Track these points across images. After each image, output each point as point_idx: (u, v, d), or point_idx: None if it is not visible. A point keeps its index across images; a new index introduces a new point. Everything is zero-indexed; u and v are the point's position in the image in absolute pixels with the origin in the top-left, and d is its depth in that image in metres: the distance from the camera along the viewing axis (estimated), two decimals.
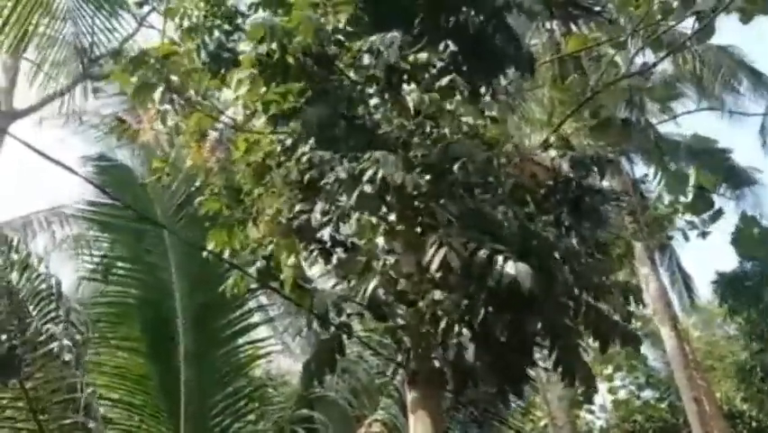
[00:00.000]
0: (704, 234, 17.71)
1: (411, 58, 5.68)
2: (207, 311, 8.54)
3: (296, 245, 5.82)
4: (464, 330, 5.31)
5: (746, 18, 8.55)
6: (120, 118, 6.75)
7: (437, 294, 5.47)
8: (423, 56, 5.66)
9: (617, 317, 5.70)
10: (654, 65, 10.61)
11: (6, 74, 11.49)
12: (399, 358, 6.11)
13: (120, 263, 9.20)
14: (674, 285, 19.00)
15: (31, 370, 5.25)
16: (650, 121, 15.46)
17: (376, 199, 5.33)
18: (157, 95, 5.83)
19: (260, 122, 6.34)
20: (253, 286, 7.14)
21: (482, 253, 5.01)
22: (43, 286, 5.71)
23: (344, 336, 5.68)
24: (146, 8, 10.55)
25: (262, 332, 9.25)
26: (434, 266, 5.06)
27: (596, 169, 6.13)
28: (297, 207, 5.52)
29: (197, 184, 7.26)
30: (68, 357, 5.29)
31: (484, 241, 5.09)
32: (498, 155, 5.75)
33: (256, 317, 9.01)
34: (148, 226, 9.02)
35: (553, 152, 5.95)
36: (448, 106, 5.95)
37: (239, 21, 7.63)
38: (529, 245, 5.29)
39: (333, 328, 5.65)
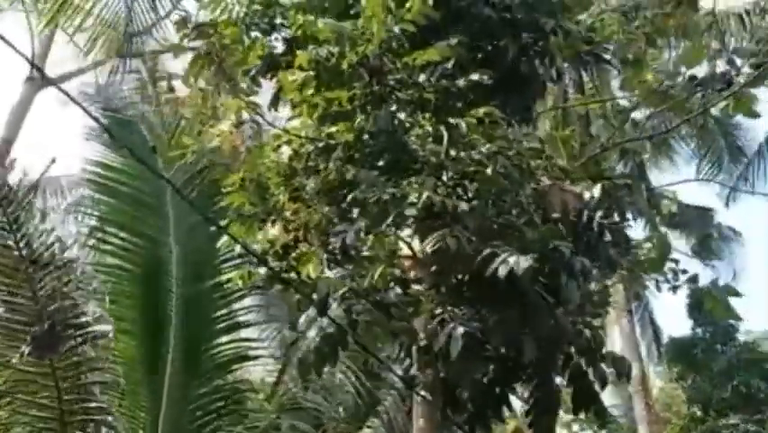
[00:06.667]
0: (675, 289, 17.86)
1: (461, 82, 5.76)
2: (203, 299, 8.37)
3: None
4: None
5: None
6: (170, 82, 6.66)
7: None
8: (474, 77, 5.76)
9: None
10: (669, 131, 10.81)
11: (41, 43, 11.38)
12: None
13: (117, 232, 8.86)
14: (644, 337, 19.25)
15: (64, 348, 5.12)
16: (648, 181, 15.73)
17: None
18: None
19: (295, 123, 6.38)
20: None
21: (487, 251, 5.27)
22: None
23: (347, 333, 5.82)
24: None
25: (252, 333, 9.11)
26: (428, 247, 5.41)
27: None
28: (338, 226, 5.57)
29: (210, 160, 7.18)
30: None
31: (499, 246, 5.28)
32: (529, 179, 5.88)
33: (249, 316, 8.85)
34: (150, 198, 8.79)
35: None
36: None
37: (277, 21, 7.66)
38: (545, 256, 5.45)
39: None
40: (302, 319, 8.45)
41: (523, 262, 5.08)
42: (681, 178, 18.50)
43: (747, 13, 13.68)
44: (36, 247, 5.12)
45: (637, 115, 10.32)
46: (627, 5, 14.07)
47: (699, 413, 18.49)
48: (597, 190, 5.85)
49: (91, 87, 10.73)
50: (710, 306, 19.45)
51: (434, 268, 5.90)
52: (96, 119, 8.12)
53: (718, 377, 18.89)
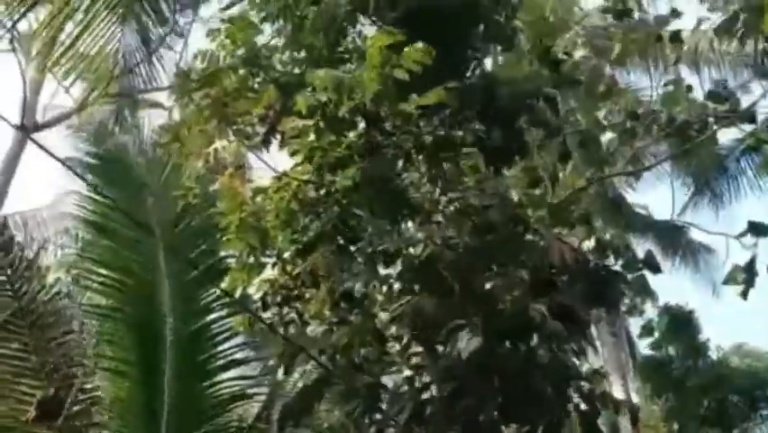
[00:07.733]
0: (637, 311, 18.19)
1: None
2: (197, 337, 8.27)
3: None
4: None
5: None
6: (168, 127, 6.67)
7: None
8: (459, 134, 5.94)
9: None
10: (650, 167, 11.12)
11: (31, 87, 11.27)
12: None
13: (104, 269, 8.58)
14: (620, 351, 19.47)
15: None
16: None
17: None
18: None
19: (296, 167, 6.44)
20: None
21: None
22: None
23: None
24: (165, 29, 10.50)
25: (245, 371, 8.90)
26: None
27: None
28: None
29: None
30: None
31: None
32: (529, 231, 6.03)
33: (242, 354, 8.78)
34: (140, 235, 8.44)
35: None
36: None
37: (262, 63, 7.74)
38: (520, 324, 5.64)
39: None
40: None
41: (469, 346, 5.26)
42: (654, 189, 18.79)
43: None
44: (41, 313, 5.10)
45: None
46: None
47: (677, 428, 18.78)
48: (592, 242, 6.05)
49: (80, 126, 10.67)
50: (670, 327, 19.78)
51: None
52: (71, 168, 7.90)
53: (693, 394, 19.19)
